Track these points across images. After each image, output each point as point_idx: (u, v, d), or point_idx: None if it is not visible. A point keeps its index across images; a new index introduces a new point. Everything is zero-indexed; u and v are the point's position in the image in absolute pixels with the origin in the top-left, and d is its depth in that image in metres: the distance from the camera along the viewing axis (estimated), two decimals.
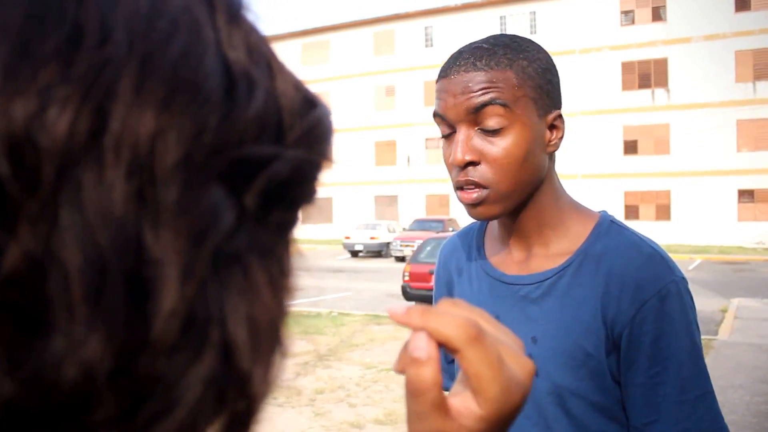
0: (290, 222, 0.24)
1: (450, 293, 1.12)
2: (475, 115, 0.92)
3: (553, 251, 1.00)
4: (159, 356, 0.19)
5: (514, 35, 0.99)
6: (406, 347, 0.39)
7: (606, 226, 0.99)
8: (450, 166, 0.96)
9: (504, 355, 0.40)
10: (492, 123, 0.91)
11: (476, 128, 0.93)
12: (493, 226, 1.09)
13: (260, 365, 0.22)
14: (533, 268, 1.01)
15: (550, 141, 0.96)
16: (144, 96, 0.19)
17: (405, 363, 0.39)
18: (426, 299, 10.06)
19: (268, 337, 0.23)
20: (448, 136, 0.96)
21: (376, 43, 32.53)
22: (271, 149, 0.22)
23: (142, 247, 0.18)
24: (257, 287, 0.22)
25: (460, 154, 0.92)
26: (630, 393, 0.92)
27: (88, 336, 0.17)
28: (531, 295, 0.99)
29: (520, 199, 0.96)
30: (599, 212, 1.03)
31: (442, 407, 0.38)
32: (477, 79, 0.92)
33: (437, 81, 0.98)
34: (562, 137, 0.98)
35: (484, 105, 0.91)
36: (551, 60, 0.99)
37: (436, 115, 0.96)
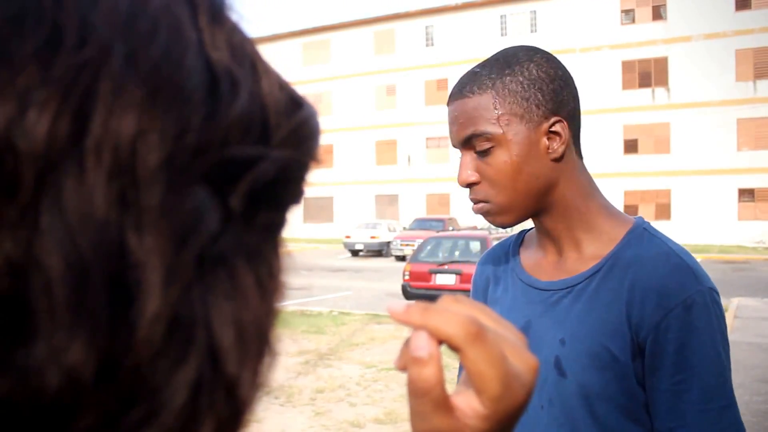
0: (278, 223, 0.24)
1: (485, 302, 1.15)
2: (467, 143, 1.01)
3: (586, 254, 1.02)
4: (144, 361, 0.19)
5: (517, 48, 1.02)
6: (407, 345, 0.39)
7: (639, 232, 1.01)
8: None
9: (507, 352, 0.39)
10: (480, 147, 1.00)
11: (474, 152, 1.01)
12: (531, 233, 1.14)
13: (248, 369, 0.22)
14: (567, 270, 1.03)
15: (548, 148, 0.98)
16: (125, 97, 0.18)
17: (406, 361, 0.38)
18: (426, 298, 10.06)
19: (256, 340, 0.23)
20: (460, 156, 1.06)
21: (377, 43, 32.52)
22: (256, 150, 0.22)
23: (125, 251, 0.18)
24: (244, 290, 0.22)
25: (464, 177, 1.02)
26: (654, 398, 0.94)
27: (71, 342, 0.17)
28: (563, 300, 1.01)
29: (527, 207, 1.01)
30: (634, 218, 1.05)
31: (445, 406, 0.38)
32: (460, 108, 1.01)
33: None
34: (565, 141, 0.99)
35: (468, 138, 1.00)
36: (552, 68, 1.00)
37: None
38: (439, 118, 29.80)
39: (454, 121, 1.02)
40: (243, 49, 0.23)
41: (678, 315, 0.92)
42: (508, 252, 1.15)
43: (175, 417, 0.20)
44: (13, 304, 0.17)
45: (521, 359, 0.40)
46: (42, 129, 0.17)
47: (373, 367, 6.45)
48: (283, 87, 0.24)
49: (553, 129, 0.98)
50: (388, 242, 21.81)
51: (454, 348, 0.38)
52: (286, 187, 0.23)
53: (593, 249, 1.02)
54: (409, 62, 31.48)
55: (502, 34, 29.01)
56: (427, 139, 30.71)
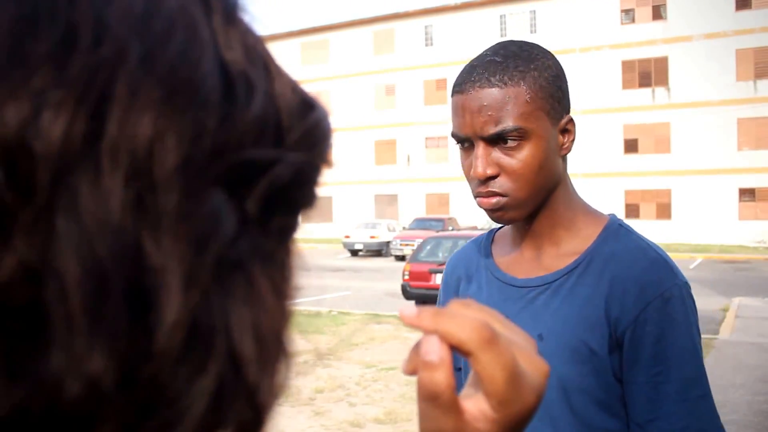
0: (291, 226, 0.24)
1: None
2: (495, 136, 0.98)
3: (564, 251, 1.04)
4: (163, 369, 0.18)
5: (522, 42, 1.02)
6: (416, 349, 0.38)
7: (614, 228, 1.03)
8: (470, 178, 1.01)
9: (518, 356, 0.39)
10: (510, 141, 0.97)
11: (494, 144, 0.98)
12: (504, 231, 1.14)
13: (267, 374, 0.22)
14: (544, 266, 1.04)
15: (563, 145, 1.01)
16: (141, 98, 0.18)
17: (415, 365, 0.38)
18: (426, 298, 10.04)
19: (274, 345, 0.22)
20: (466, 148, 1.01)
21: (376, 43, 32.50)
22: (272, 152, 0.21)
23: (142, 256, 0.18)
24: (261, 295, 0.22)
25: (481, 169, 0.97)
26: (632, 391, 0.95)
27: (91, 350, 0.17)
28: (540, 296, 1.02)
29: (537, 203, 1.01)
30: (608, 215, 1.07)
31: (455, 410, 0.38)
32: (492, 97, 0.96)
33: (452, 95, 1.02)
34: (574, 139, 1.03)
35: (500, 132, 0.96)
36: (560, 64, 1.03)
37: (454, 133, 1.02)
38: (438, 118, 29.79)
39: (480, 111, 0.97)
40: (256, 50, 0.23)
41: (656, 307, 0.94)
42: (480, 250, 1.15)
43: (196, 424, 0.19)
44: (28, 310, 0.17)
45: (532, 364, 0.40)
46: (57, 130, 0.17)
47: (373, 367, 6.42)
48: (295, 89, 0.24)
49: (566, 127, 1.01)
50: (388, 242, 21.79)
51: (466, 353, 0.38)
52: (300, 190, 0.23)
53: (571, 246, 1.03)
54: (409, 62, 31.46)
55: (501, 34, 28.98)
56: (427, 138, 30.69)
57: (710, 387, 0.97)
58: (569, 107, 1.02)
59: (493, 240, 1.16)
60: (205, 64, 0.20)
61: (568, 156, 1.04)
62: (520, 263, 1.07)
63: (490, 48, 1.02)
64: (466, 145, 1.01)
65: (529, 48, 1.01)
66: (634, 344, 0.94)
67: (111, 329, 0.17)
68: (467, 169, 1.01)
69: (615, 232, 1.02)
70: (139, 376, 0.18)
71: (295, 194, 0.23)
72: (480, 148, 0.98)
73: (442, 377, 0.37)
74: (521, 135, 0.96)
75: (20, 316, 0.17)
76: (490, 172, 0.97)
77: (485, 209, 1.01)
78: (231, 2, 0.23)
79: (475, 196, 1.01)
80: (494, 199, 0.98)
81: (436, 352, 0.37)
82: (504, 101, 0.96)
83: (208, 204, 0.19)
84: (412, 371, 0.39)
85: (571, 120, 1.02)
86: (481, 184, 0.99)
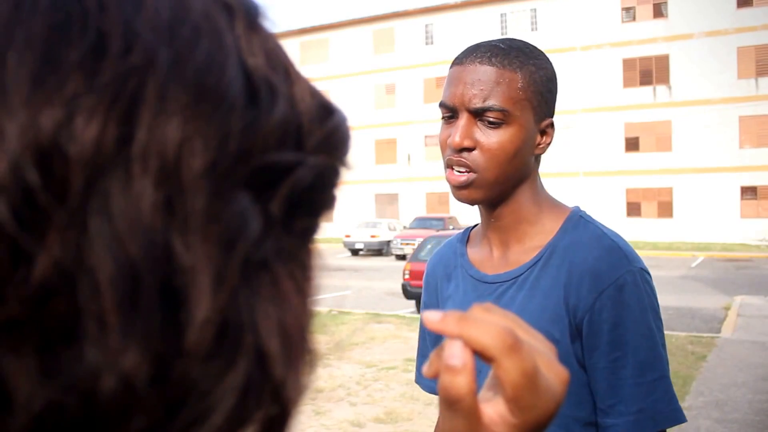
0: (313, 228, 0.24)
1: (437, 299, 1.19)
2: (479, 110, 1.02)
3: (528, 246, 1.07)
4: (194, 364, 0.19)
5: (528, 42, 1.08)
6: (438, 352, 0.39)
7: (575, 220, 1.07)
8: (445, 147, 1.05)
9: (539, 363, 0.40)
10: (492, 118, 1.01)
11: (477, 119, 1.02)
12: (477, 231, 1.18)
13: (292, 371, 0.22)
14: (511, 262, 1.08)
15: (539, 144, 1.06)
16: (169, 104, 0.19)
17: (437, 368, 0.39)
18: None
19: (299, 343, 0.23)
20: (449, 119, 1.05)
21: (376, 41, 32.47)
22: (294, 156, 0.22)
23: (173, 256, 0.18)
24: (286, 294, 0.22)
25: (459, 138, 1.01)
26: (594, 377, 0.99)
27: (126, 345, 0.17)
28: (508, 291, 1.06)
29: (502, 190, 1.05)
30: (572, 207, 1.10)
31: (475, 415, 0.38)
32: (487, 74, 1.01)
33: (451, 67, 1.07)
34: (550, 143, 1.08)
35: (485, 108, 1.00)
36: (555, 72, 1.09)
37: (442, 102, 1.06)
38: (439, 117, 29.64)
39: (473, 84, 1.01)
40: (277, 56, 0.23)
41: (610, 295, 0.97)
42: (456, 251, 1.18)
43: (225, 419, 0.20)
44: (62, 307, 0.17)
45: (553, 371, 0.41)
46: (90, 134, 0.17)
47: (373, 367, 6.40)
48: (314, 94, 0.24)
49: (546, 129, 1.06)
50: (388, 241, 21.77)
51: (489, 358, 0.38)
52: (321, 193, 0.23)
53: (535, 240, 1.07)
54: (409, 61, 31.43)
55: (502, 33, 28.93)
56: (427, 137, 30.65)
57: (669, 370, 1.00)
58: (553, 113, 1.08)
59: (468, 238, 1.19)
60: (230, 70, 0.20)
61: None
62: (490, 260, 1.11)
63: (497, 39, 1.08)
64: (450, 117, 1.04)
65: (532, 48, 1.07)
66: (592, 331, 0.97)
67: (144, 326, 0.18)
68: (444, 139, 1.05)
69: (575, 223, 1.06)
70: (170, 372, 0.19)
71: (316, 196, 0.23)
72: (463, 119, 1.02)
73: (464, 382, 0.37)
74: (505, 118, 1.00)
75: (54, 314, 0.17)
76: (466, 143, 1.01)
77: (452, 186, 1.04)
78: (253, 9, 0.23)
79: (446, 167, 1.04)
80: (463, 177, 1.02)
81: (459, 356, 0.37)
82: (498, 81, 1.01)
83: (235, 206, 0.20)
84: (434, 374, 0.39)
85: (552, 125, 1.07)
86: (454, 153, 1.02)
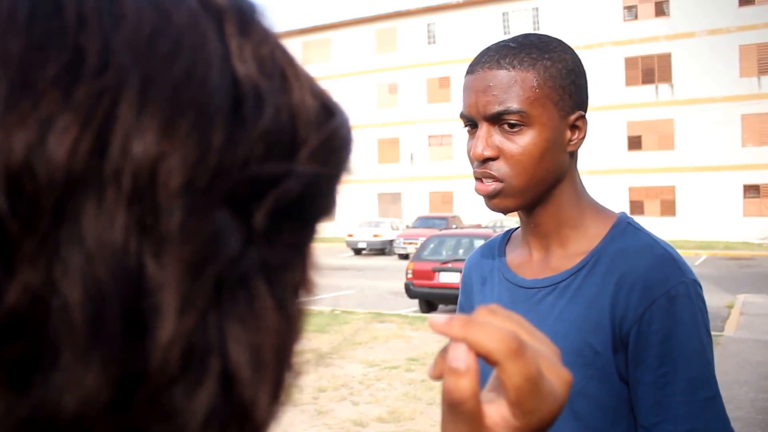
0: (305, 239, 0.23)
1: (472, 302, 1.16)
2: (496, 117, 0.97)
3: (571, 251, 1.02)
4: (159, 388, 0.19)
5: (543, 35, 1.02)
6: (443, 354, 0.40)
7: (623, 227, 1.01)
8: (471, 159, 1.00)
9: (542, 366, 0.40)
10: (510, 121, 0.96)
11: (497, 125, 0.97)
12: (517, 233, 1.14)
13: (264, 392, 0.22)
14: (552, 267, 1.02)
15: (570, 140, 0.99)
16: (144, 121, 0.18)
17: (441, 370, 0.39)
18: (429, 296, 10.02)
19: (274, 362, 0.22)
20: (471, 130, 1.01)
21: (378, 41, 32.47)
22: (280, 167, 0.21)
23: (143, 278, 0.18)
24: (263, 312, 0.22)
25: (480, 149, 0.97)
26: (638, 392, 0.92)
27: (87, 369, 0.17)
28: (547, 297, 1.01)
29: (535, 195, 0.99)
30: (618, 213, 1.05)
31: (478, 417, 0.39)
32: (498, 78, 0.96)
33: (465, 76, 1.03)
34: (583, 137, 1.01)
35: (500, 113, 0.96)
36: (579, 61, 1.02)
37: (462, 113, 1.02)
38: (441, 116, 29.75)
39: (485, 91, 0.97)
40: (272, 59, 0.22)
41: (662, 306, 0.91)
42: (495, 251, 1.14)
43: None
44: (31, 330, 0.17)
45: (556, 374, 0.41)
46: (61, 155, 0.17)
47: (376, 366, 6.41)
48: (316, 94, 0.23)
49: (576, 123, 0.99)
50: (391, 240, 21.75)
51: (493, 362, 0.38)
52: (313, 202, 0.23)
53: (579, 246, 1.01)
54: (411, 60, 31.42)
55: (504, 32, 28.92)
56: (430, 137, 30.66)
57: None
58: (584, 105, 1.01)
59: (508, 241, 1.15)
60: (213, 82, 0.20)
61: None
62: (530, 264, 1.06)
63: (511, 37, 1.03)
64: (471, 127, 1.00)
65: (548, 39, 1.01)
66: (639, 344, 0.91)
67: (108, 349, 0.17)
68: (469, 150, 1.01)
69: (623, 230, 1.00)
70: (135, 395, 0.18)
71: (307, 206, 0.23)
72: (482, 129, 0.97)
73: (467, 385, 0.38)
74: (524, 120, 0.95)
75: (27, 337, 0.17)
76: (488, 153, 0.96)
77: (482, 196, 1.00)
78: (246, 10, 0.22)
79: (475, 179, 1.01)
80: (491, 187, 0.97)
81: (463, 359, 0.38)
82: (510, 83, 0.96)
83: (211, 224, 0.19)
84: (438, 376, 0.39)
85: (583, 117, 1.00)
86: (479, 165, 0.98)
